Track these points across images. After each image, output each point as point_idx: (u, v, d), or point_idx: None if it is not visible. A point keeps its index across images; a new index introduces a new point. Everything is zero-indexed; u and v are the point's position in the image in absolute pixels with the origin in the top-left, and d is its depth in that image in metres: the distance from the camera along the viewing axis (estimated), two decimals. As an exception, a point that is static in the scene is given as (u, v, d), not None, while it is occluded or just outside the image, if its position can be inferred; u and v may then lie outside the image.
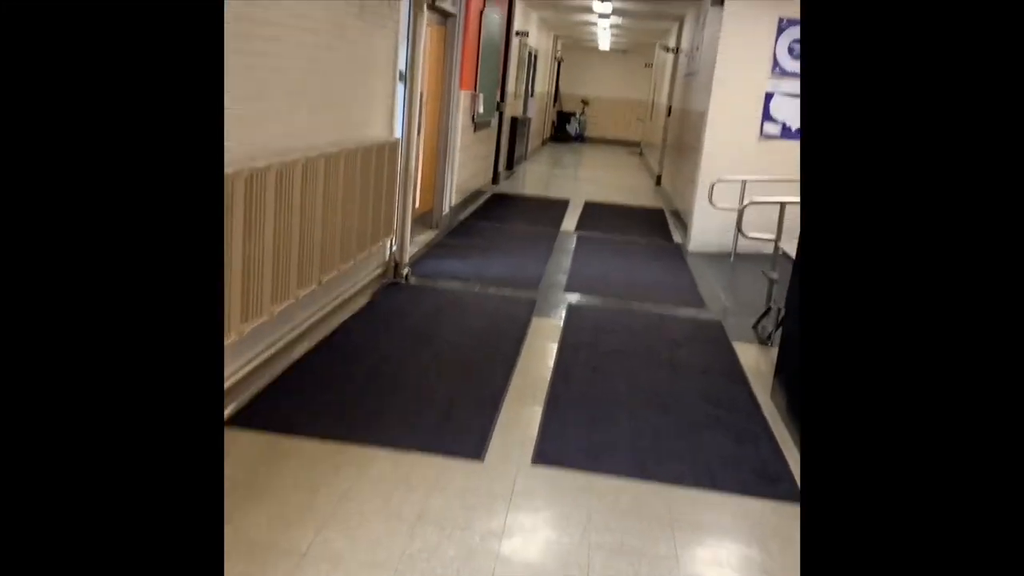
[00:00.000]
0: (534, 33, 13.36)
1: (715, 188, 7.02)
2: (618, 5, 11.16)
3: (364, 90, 4.50)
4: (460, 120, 7.38)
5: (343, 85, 4.18)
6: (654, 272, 6.36)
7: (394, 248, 5.35)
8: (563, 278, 5.88)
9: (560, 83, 21.32)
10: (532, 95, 13.93)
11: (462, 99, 7.35)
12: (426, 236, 6.87)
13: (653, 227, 8.57)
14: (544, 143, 19.11)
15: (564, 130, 20.82)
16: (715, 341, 4.69)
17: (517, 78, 11.67)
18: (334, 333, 4.18)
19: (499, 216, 8.32)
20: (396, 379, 3.64)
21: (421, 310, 4.72)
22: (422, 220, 6.95)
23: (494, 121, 9.66)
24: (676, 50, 11.73)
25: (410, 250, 6.01)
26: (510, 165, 11.61)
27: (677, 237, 8.06)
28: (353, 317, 4.46)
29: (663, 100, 13.44)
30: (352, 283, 4.66)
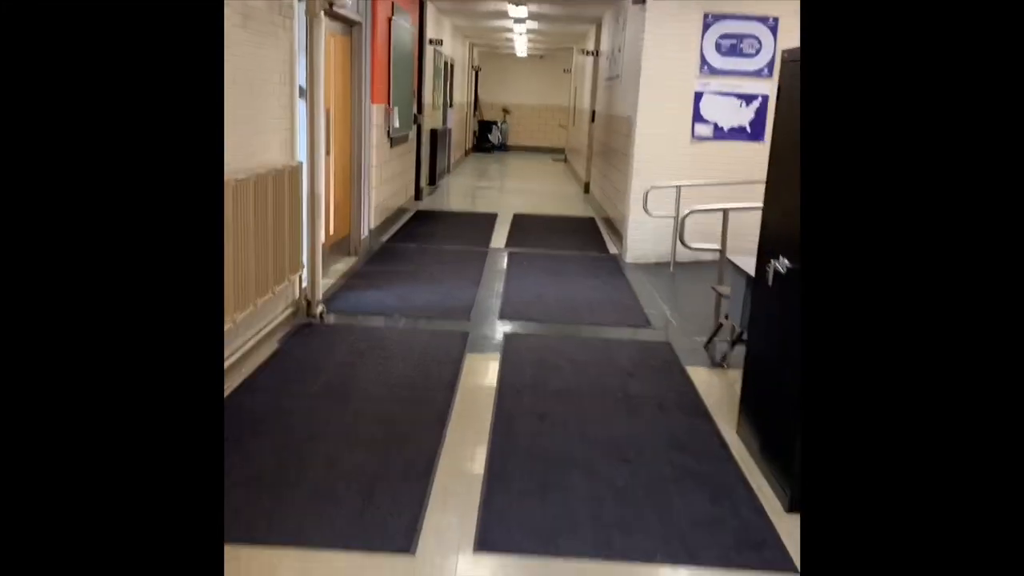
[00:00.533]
0: (448, 41, 12.86)
1: (649, 195, 6.65)
2: (533, 8, 10.77)
3: (253, 110, 3.90)
4: (374, 136, 6.81)
5: (232, 105, 3.59)
6: (593, 289, 5.92)
7: (304, 284, 4.76)
8: (497, 303, 5.38)
9: (479, 92, 20.89)
10: (451, 106, 13.43)
11: (375, 114, 6.79)
12: (344, 264, 6.27)
13: (586, 238, 8.16)
14: (467, 154, 18.62)
15: (487, 140, 20.38)
16: (667, 367, 4.25)
17: (434, 88, 11.14)
18: (230, 397, 3.56)
19: (424, 235, 7.77)
20: (304, 453, 3.06)
21: (336, 357, 4.14)
22: (339, 247, 6.35)
23: (412, 135, 9.12)
24: (595, 53, 11.41)
25: (324, 283, 5.41)
26: (433, 180, 11.07)
27: (612, 247, 7.67)
28: (255, 374, 3.84)
29: (585, 105, 13.12)
30: (254, 332, 4.04)
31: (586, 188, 12.21)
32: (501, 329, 4.80)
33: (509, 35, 14.90)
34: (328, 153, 5.74)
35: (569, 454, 3.16)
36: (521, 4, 10.18)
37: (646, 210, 6.64)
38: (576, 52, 16.26)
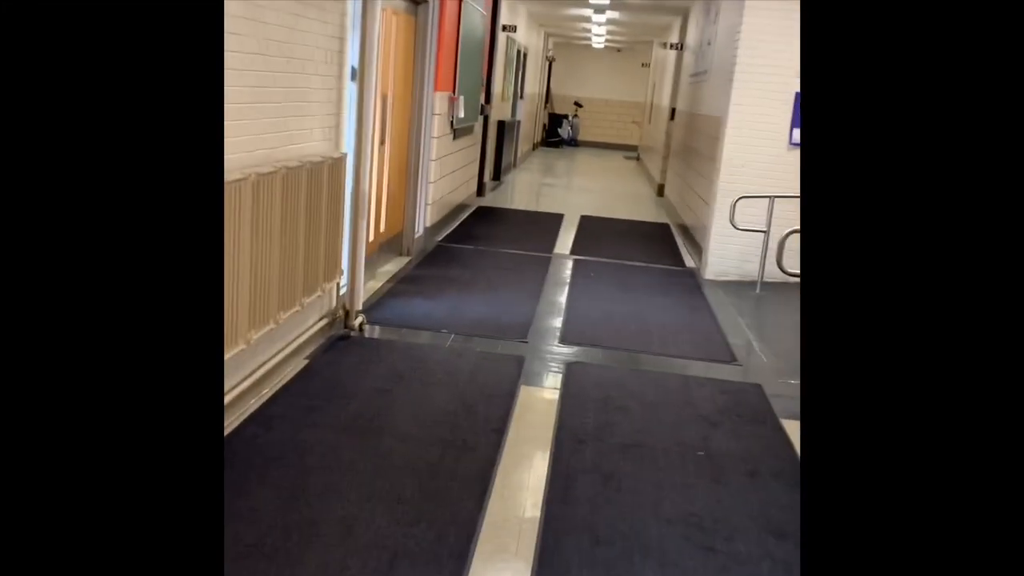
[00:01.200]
0: (523, 29, 12.26)
1: (738, 206, 5.93)
2: (616, -3, 10.10)
3: (288, 92, 3.38)
4: (436, 126, 6.27)
5: (258, 84, 3.07)
6: (668, 310, 5.26)
7: (343, 291, 4.23)
8: (558, 322, 4.77)
9: (551, 84, 20.24)
10: (521, 97, 12.84)
11: (437, 102, 6.24)
12: (393, 266, 5.74)
13: (660, 247, 7.46)
14: (535, 148, 18.02)
15: (556, 134, 19.73)
16: (758, 417, 3.58)
17: (504, 78, 10.57)
18: (243, 426, 3.05)
19: (483, 236, 7.20)
20: (317, 511, 2.51)
21: (371, 380, 3.60)
22: (389, 246, 5.83)
23: (477, 127, 8.56)
24: (679, 47, 10.65)
25: (370, 287, 4.89)
26: (497, 175, 10.51)
27: (690, 260, 6.96)
28: (275, 397, 3.33)
29: (664, 102, 12.35)
30: (278, 348, 3.52)
31: (660, 190, 11.48)
32: (561, 355, 4.19)
33: (586, 25, 14.22)
34: (383, 143, 5.21)
35: (639, 534, 2.54)
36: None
37: (733, 223, 5.93)
38: (656, 46, 15.45)
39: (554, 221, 8.45)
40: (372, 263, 5.27)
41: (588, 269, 6.26)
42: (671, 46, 10.83)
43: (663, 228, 8.67)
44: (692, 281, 6.19)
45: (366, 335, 4.20)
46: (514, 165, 13.55)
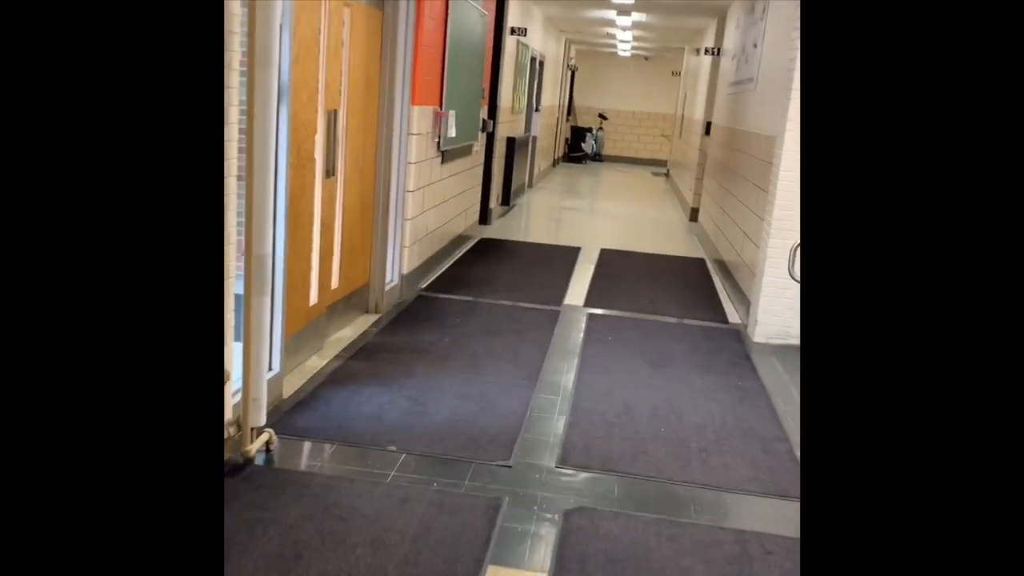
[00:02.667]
0: (538, 34, 10.99)
1: (797, 253, 4.56)
2: (642, -5, 8.78)
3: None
4: (413, 149, 4.99)
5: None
6: (709, 398, 3.90)
7: (236, 399, 2.94)
8: (558, 426, 3.44)
9: (574, 95, 18.95)
10: (537, 109, 11.55)
11: (416, 119, 4.97)
12: (352, 330, 4.46)
13: (695, 293, 6.10)
14: (555, 164, 16.72)
15: (579, 148, 18.42)
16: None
17: (516, 88, 9.29)
18: None
19: (478, 281, 5.90)
20: None
21: (253, 557, 2.29)
22: (350, 303, 4.55)
23: (479, 145, 7.27)
24: (715, 52, 9.29)
25: (309, 367, 3.62)
26: (507, 199, 9.23)
27: (733, 313, 5.59)
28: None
29: (697, 115, 10.99)
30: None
31: (693, 215, 10.10)
32: (559, 492, 2.86)
33: (611, 30, 12.91)
34: (331, 175, 3.94)
35: None
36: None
37: (792, 273, 4.55)
38: (688, 52, 14.10)
39: (569, 257, 7.12)
40: (319, 331, 3.99)
41: (605, 329, 4.92)
42: (706, 51, 9.49)
43: (698, 265, 7.29)
44: (738, 347, 4.82)
45: (272, 462, 2.90)
46: (529, 185, 12.25)
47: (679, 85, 15.70)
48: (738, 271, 5.98)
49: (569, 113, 18.42)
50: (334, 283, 4.26)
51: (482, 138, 7.50)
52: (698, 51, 11.95)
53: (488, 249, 7.20)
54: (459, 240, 6.98)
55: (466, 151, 6.71)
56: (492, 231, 8.22)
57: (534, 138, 11.86)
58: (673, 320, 5.29)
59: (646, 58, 18.90)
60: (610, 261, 7.11)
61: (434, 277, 5.91)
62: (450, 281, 5.83)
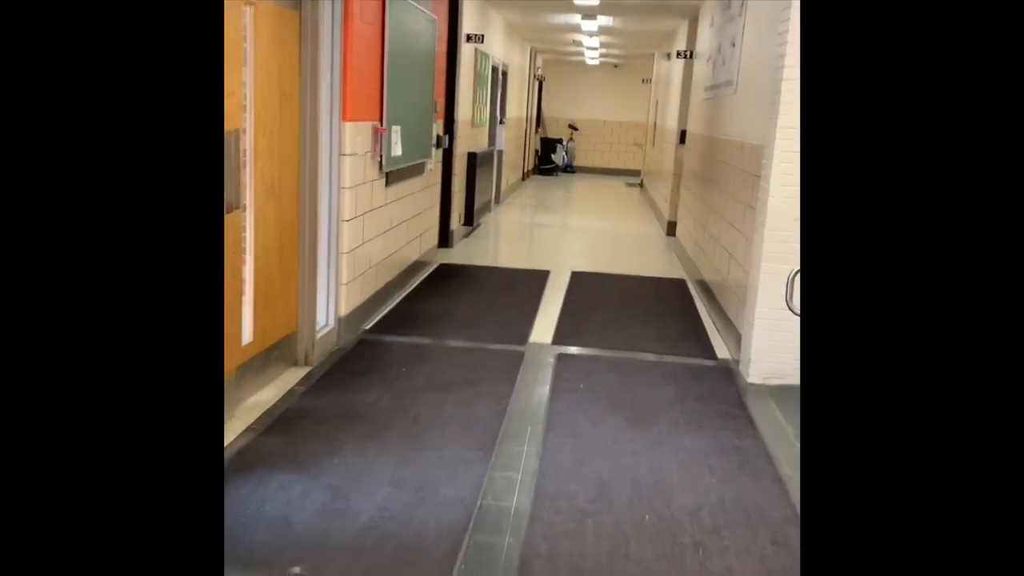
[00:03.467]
0: (500, 42, 10.35)
1: (796, 282, 3.92)
2: (608, -4, 8.16)
3: None
4: (347, 172, 4.29)
5: None
6: (703, 466, 3.21)
7: None
8: (519, 523, 2.73)
9: (543, 106, 18.35)
10: (502, 122, 10.90)
11: (349, 137, 4.27)
12: (273, 391, 3.73)
13: (678, 322, 5.43)
14: (525, 177, 16.07)
15: (549, 161, 17.80)
16: None
17: (476, 101, 8.62)
18: None
19: (432, 317, 5.20)
20: None
21: None
22: (272, 357, 3.82)
23: (432, 163, 6.59)
24: (688, 55, 8.69)
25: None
26: (470, 218, 8.54)
27: (720, 346, 4.94)
28: None
29: (670, 123, 10.39)
30: None
31: (670, 229, 9.48)
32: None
33: (577, 36, 12.31)
34: (233, 209, 3.23)
35: None
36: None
37: (790, 305, 3.90)
38: (658, 58, 13.54)
39: (536, 282, 6.44)
40: (227, 399, 3.27)
41: (576, 373, 4.23)
42: (677, 55, 8.89)
43: (678, 287, 6.65)
44: (731, 389, 4.16)
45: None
46: (497, 201, 11.58)
47: (650, 92, 15.14)
48: (724, 295, 5.32)
49: (538, 124, 17.81)
50: (246, 337, 3.54)
51: (437, 155, 6.82)
52: (668, 55, 11.38)
53: (447, 277, 6.50)
54: (414, 268, 6.28)
55: (417, 170, 6.01)
56: (453, 255, 7.52)
57: (500, 152, 11.19)
58: (654, 358, 4.62)
59: (615, 66, 18.36)
60: (582, 286, 6.43)
61: (381, 315, 5.19)
62: (400, 319, 5.12)
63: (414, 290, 5.96)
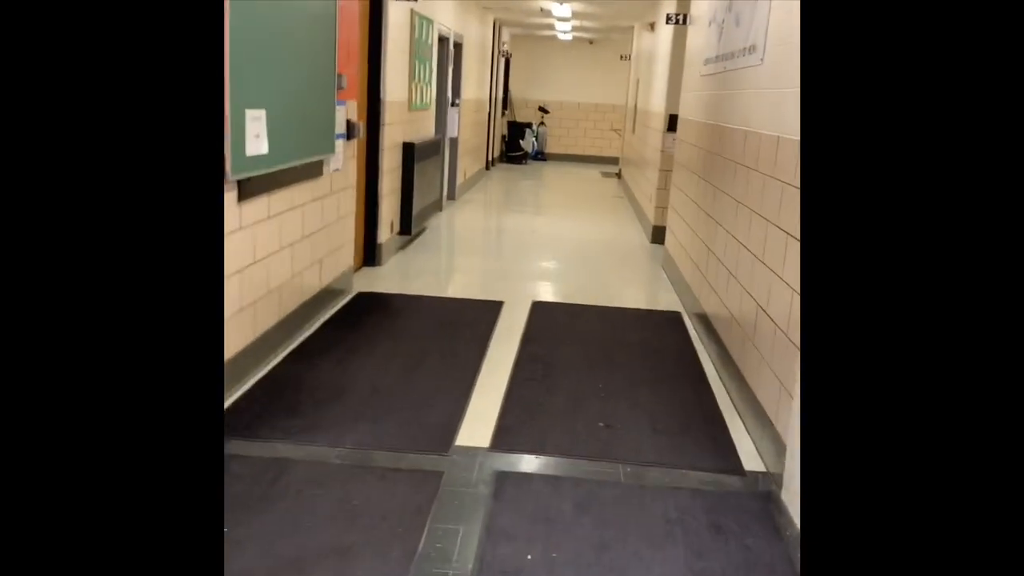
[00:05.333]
0: (450, 8, 8.56)
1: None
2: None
3: None
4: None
5: None
6: None
7: None
8: None
9: (510, 86, 16.58)
10: (455, 104, 9.14)
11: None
12: None
13: (678, 394, 3.75)
14: (490, 166, 14.33)
15: (518, 147, 16.05)
16: None
17: (415, 77, 6.87)
18: None
19: (319, 392, 3.48)
20: None
21: None
22: None
23: (337, 160, 4.83)
24: (681, 20, 6.98)
25: None
26: (407, 226, 6.79)
27: (742, 439, 3.28)
28: None
29: (655, 106, 8.71)
30: None
31: (656, 235, 7.82)
32: None
33: (545, 5, 10.54)
34: None
35: None
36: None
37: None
38: (639, 30, 11.82)
39: (483, 323, 4.74)
40: None
41: (524, 519, 2.55)
42: (667, 19, 7.19)
43: (672, 326, 4.98)
44: (773, 545, 2.50)
45: None
46: (451, 198, 9.85)
47: (630, 71, 13.45)
48: (746, 360, 3.65)
49: (505, 107, 16.05)
50: None
51: (350, 147, 5.07)
52: (652, 25, 9.66)
53: (361, 315, 4.78)
54: (315, 304, 4.55)
55: (310, 171, 4.27)
56: (381, 277, 5.79)
57: (453, 140, 9.44)
58: (648, 472, 2.95)
59: (591, 41, 16.62)
60: (544, 328, 4.74)
61: (242, 391, 3.47)
62: (267, 400, 3.40)
63: (310, 338, 4.24)
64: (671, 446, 3.22)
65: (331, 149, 4.46)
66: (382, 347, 4.19)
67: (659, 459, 3.10)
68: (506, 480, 2.85)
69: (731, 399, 3.78)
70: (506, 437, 3.22)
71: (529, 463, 3.01)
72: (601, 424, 3.39)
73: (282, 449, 2.97)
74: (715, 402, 3.74)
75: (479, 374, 3.92)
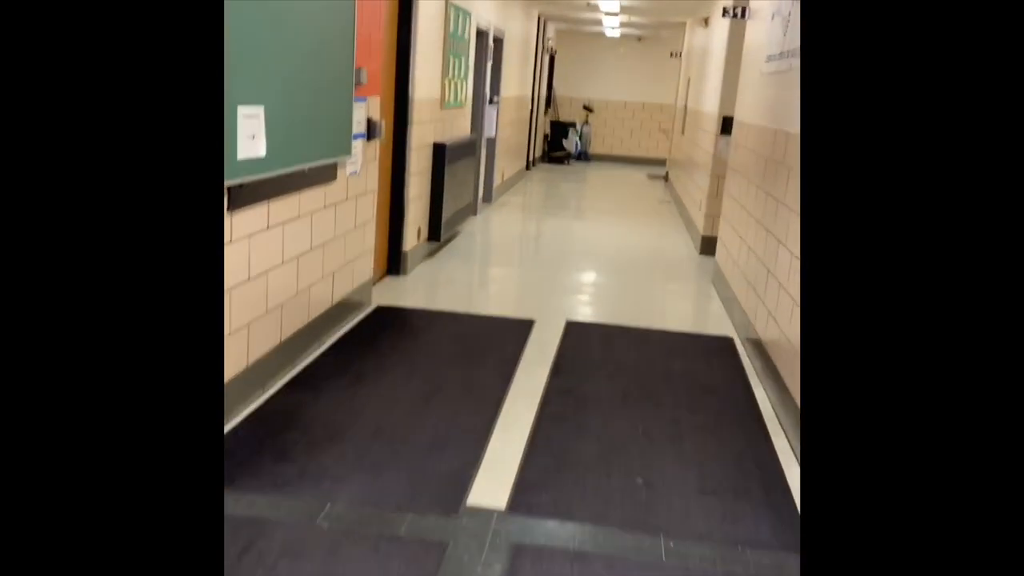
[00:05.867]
0: (490, 2, 8.09)
1: None
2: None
3: None
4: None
5: None
6: None
7: None
8: None
9: (554, 84, 16.06)
10: (493, 101, 8.67)
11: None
12: None
13: (732, 445, 3.23)
14: (531, 166, 13.84)
15: (560, 147, 15.53)
16: None
17: (449, 73, 6.42)
18: None
19: (319, 429, 3.05)
20: None
21: None
22: None
23: (355, 163, 4.40)
24: (739, 14, 6.41)
25: None
26: (436, 232, 6.34)
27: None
28: None
29: (707, 106, 8.14)
30: None
31: (706, 246, 7.26)
32: None
33: (592, 1, 10.00)
34: None
35: None
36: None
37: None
38: (691, 26, 11.22)
39: (510, 346, 4.27)
40: None
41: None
42: (724, 13, 6.61)
43: (724, 355, 4.44)
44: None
45: None
46: (487, 200, 9.39)
47: (680, 69, 12.83)
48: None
49: (548, 106, 15.54)
50: None
51: (371, 148, 4.64)
52: (706, 21, 9.07)
53: (378, 333, 4.34)
54: (324, 323, 4.13)
55: (321, 175, 3.84)
56: (404, 288, 5.36)
57: (490, 140, 8.98)
58: (695, 550, 2.44)
59: (639, 38, 16.01)
60: (577, 354, 4.25)
61: (237, 420, 3.05)
62: (261, 437, 2.97)
63: (314, 363, 3.81)
64: (723, 514, 2.70)
65: (347, 151, 4.02)
66: (394, 374, 3.74)
67: (708, 531, 2.58)
68: (523, 556, 2.37)
69: (792, 450, 3.25)
70: (527, 496, 2.73)
71: (552, 532, 2.53)
72: (639, 480, 2.89)
73: (261, 505, 2.53)
74: (775, 454, 3.21)
75: (501, 409, 3.45)
